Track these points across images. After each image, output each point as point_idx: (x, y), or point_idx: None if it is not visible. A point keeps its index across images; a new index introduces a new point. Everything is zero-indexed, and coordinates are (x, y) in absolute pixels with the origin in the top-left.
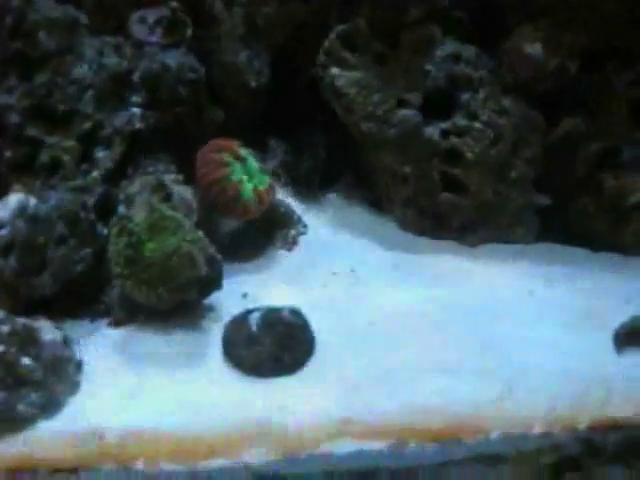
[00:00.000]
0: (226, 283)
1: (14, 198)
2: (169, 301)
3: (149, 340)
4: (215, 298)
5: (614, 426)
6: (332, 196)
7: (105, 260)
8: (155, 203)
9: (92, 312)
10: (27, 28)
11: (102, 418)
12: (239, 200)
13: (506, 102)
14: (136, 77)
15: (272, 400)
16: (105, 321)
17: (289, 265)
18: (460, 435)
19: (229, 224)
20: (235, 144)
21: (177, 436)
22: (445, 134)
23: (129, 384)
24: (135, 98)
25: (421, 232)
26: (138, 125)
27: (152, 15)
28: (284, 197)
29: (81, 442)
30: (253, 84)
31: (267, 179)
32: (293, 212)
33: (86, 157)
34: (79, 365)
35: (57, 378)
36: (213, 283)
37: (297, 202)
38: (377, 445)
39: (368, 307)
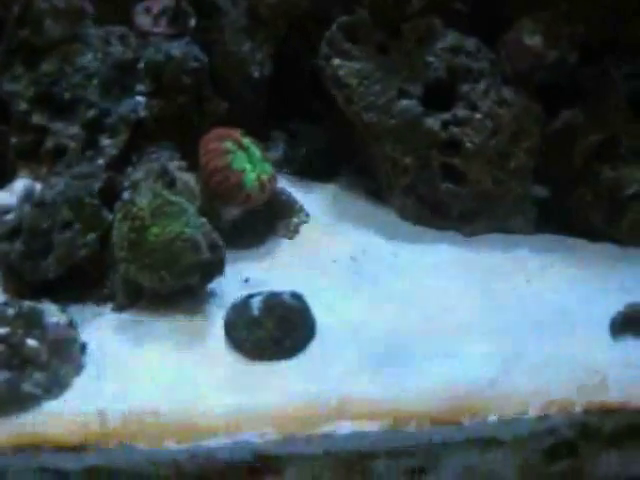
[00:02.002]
0: (228, 270)
1: (20, 183)
2: (172, 285)
3: (152, 324)
4: (217, 284)
5: (609, 411)
6: (333, 186)
7: (109, 245)
8: (159, 189)
9: (96, 296)
10: (33, 16)
11: (105, 399)
12: (241, 188)
13: (506, 93)
14: (141, 66)
15: (272, 382)
16: (109, 305)
17: (290, 253)
18: (457, 418)
19: (231, 212)
20: (238, 132)
21: (179, 417)
22: (445, 125)
23: (132, 366)
24: (139, 87)
25: (421, 221)
26: (142, 113)
27: (156, 6)
28: (286, 186)
29: (85, 422)
30: (256, 75)
31: (269, 168)
32: (295, 201)
33: (91, 144)
34: (83, 347)
35: (62, 360)
36: (215, 268)
37: (298, 191)
38: (375, 427)
39: (368, 294)
